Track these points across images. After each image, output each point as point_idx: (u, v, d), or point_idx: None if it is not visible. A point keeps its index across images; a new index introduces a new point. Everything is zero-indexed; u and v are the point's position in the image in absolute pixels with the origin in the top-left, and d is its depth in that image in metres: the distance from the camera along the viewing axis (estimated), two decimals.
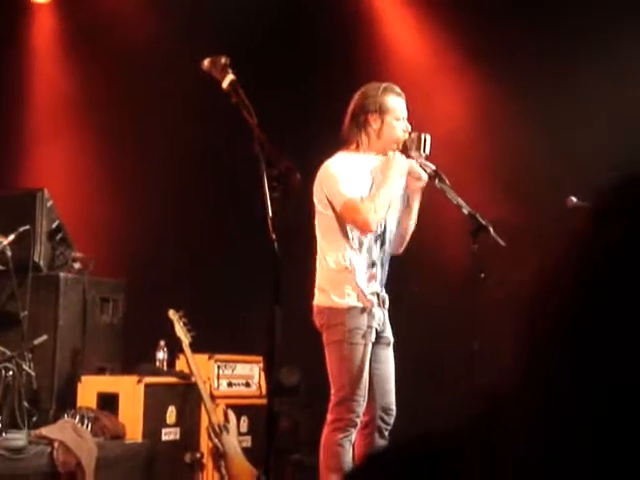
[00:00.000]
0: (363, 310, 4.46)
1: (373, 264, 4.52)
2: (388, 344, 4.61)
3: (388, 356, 4.61)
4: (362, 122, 4.60)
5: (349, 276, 4.48)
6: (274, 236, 3.48)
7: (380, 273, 4.56)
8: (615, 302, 0.71)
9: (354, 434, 4.45)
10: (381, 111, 4.58)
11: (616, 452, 0.69)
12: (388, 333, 4.61)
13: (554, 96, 6.74)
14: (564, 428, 0.71)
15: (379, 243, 4.57)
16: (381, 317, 4.54)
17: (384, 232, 4.62)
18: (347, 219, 4.42)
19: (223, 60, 3.75)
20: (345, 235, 4.52)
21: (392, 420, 4.58)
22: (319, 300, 4.54)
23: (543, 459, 0.72)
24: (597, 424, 0.69)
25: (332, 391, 4.48)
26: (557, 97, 6.75)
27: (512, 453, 0.74)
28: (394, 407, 4.59)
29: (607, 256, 0.73)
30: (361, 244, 4.52)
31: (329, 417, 4.48)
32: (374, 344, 4.52)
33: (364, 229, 4.41)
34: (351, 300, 4.47)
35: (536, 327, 0.76)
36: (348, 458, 4.40)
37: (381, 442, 4.54)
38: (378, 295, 4.53)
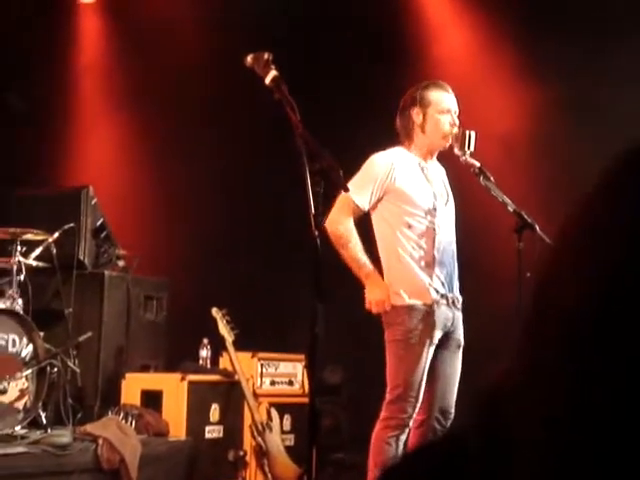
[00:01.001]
0: (425, 310, 4.37)
1: (436, 263, 4.44)
2: (458, 346, 4.52)
3: (454, 358, 4.52)
4: (407, 117, 4.57)
5: (409, 274, 4.41)
6: (316, 232, 3.46)
7: (446, 273, 4.48)
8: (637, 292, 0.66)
9: (405, 434, 4.40)
10: (422, 104, 4.53)
11: (625, 455, 0.66)
12: (459, 335, 4.52)
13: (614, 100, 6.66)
14: (575, 435, 0.67)
15: (442, 241, 4.50)
16: (449, 318, 4.46)
17: (450, 226, 4.56)
18: (334, 206, 4.36)
19: (266, 56, 3.74)
20: (402, 232, 4.45)
21: (449, 423, 4.52)
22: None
23: (549, 462, 0.69)
24: (614, 429, 0.66)
25: (387, 389, 4.44)
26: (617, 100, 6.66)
27: (517, 455, 0.71)
28: (452, 410, 4.52)
29: (626, 238, 0.68)
30: (422, 240, 4.44)
31: (382, 414, 4.43)
32: (441, 345, 4.45)
33: (328, 227, 4.30)
34: (412, 299, 4.38)
35: (545, 320, 0.72)
36: (396, 455, 4.35)
37: None
38: (446, 296, 4.45)
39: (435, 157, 4.64)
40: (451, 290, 4.48)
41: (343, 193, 4.28)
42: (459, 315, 4.53)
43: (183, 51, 7.96)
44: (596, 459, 0.66)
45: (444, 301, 4.42)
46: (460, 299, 4.56)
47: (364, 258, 4.39)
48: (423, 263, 4.42)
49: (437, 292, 4.41)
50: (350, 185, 4.29)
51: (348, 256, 4.38)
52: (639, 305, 0.66)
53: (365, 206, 4.45)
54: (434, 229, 4.45)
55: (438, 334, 4.40)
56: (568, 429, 0.67)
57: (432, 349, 4.38)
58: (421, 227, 4.44)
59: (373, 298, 4.38)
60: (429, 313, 4.38)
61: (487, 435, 0.75)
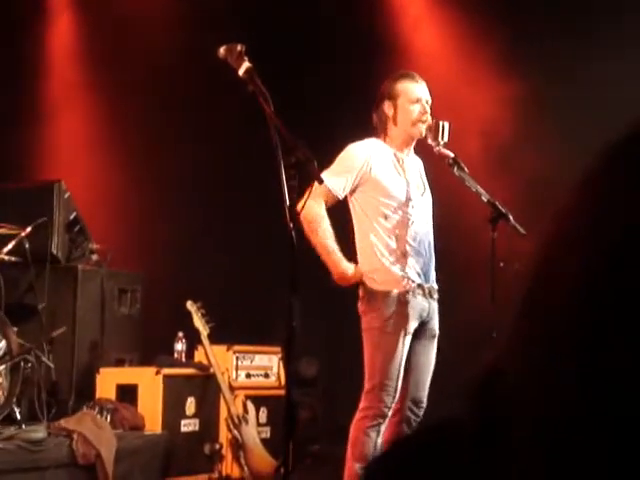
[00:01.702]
0: (401, 299, 4.38)
1: (411, 253, 4.45)
2: (433, 336, 4.53)
3: (429, 348, 4.53)
4: (379, 110, 4.57)
5: (384, 264, 4.41)
6: (292, 225, 3.46)
7: (422, 263, 4.48)
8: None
9: (383, 425, 4.39)
10: (392, 96, 4.54)
11: (627, 453, 0.65)
12: (433, 325, 4.53)
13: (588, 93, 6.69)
14: (569, 422, 0.67)
15: (419, 232, 4.51)
16: (425, 308, 4.47)
17: (426, 218, 4.56)
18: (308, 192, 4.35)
19: (239, 48, 3.72)
20: (378, 223, 4.46)
21: (422, 413, 4.52)
22: (362, 284, 4.47)
23: (546, 459, 0.68)
24: (612, 426, 0.66)
25: (365, 378, 4.44)
26: (590, 94, 6.69)
27: (513, 449, 0.71)
28: (425, 400, 4.53)
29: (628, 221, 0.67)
30: (399, 228, 4.44)
31: (360, 404, 4.44)
32: (416, 335, 4.45)
33: (301, 213, 4.29)
34: (388, 287, 4.39)
35: (540, 302, 0.72)
36: (373, 447, 4.36)
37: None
38: (422, 286, 4.45)
39: (412, 149, 4.64)
40: (427, 280, 4.49)
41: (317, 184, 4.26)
42: (435, 305, 4.54)
43: (156, 44, 7.92)
44: (594, 457, 0.65)
45: (420, 291, 4.43)
46: (436, 289, 4.57)
47: (333, 245, 4.38)
48: (399, 253, 4.42)
49: (412, 282, 4.41)
50: (325, 172, 4.31)
51: (317, 242, 4.38)
52: (636, 293, 0.65)
53: (339, 193, 4.44)
54: (409, 220, 4.46)
55: (414, 324, 4.41)
56: (564, 426, 0.67)
57: (408, 339, 4.39)
58: (396, 218, 4.44)
59: (340, 275, 4.38)
60: (404, 302, 4.38)
61: (483, 432, 0.74)
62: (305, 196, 4.26)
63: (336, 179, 4.41)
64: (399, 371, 4.35)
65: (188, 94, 7.87)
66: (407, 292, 4.39)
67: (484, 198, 4.55)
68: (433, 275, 4.55)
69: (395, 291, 4.38)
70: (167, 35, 7.92)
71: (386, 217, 4.43)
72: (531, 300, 0.73)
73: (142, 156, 8.09)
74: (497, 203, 4.54)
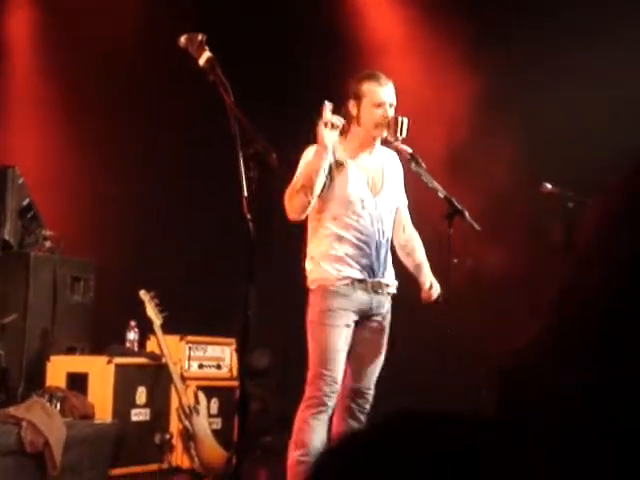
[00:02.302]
0: (339, 293, 4.46)
1: (356, 251, 4.50)
2: (380, 330, 4.61)
3: (374, 341, 4.60)
4: (345, 110, 4.61)
5: (327, 259, 4.49)
6: (249, 216, 3.45)
7: (367, 260, 4.54)
8: None
9: (325, 414, 4.46)
10: (356, 97, 4.59)
11: None
12: (381, 319, 4.60)
13: (526, 84, 6.75)
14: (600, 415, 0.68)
15: (371, 227, 4.55)
16: (366, 302, 4.53)
17: (378, 216, 4.59)
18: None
19: (200, 37, 3.71)
20: (325, 223, 4.52)
21: (367, 404, 4.59)
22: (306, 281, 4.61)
23: (583, 447, 0.69)
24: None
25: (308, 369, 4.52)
26: (529, 85, 6.75)
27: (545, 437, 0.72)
28: (369, 391, 4.59)
29: None
30: (346, 227, 4.50)
31: (304, 395, 4.51)
32: (359, 328, 4.54)
33: (288, 217, 4.46)
34: (325, 283, 4.48)
35: (562, 313, 0.73)
36: (313, 436, 4.42)
37: (353, 423, 4.55)
38: (365, 281, 4.52)
39: (375, 147, 4.66)
40: (373, 276, 4.54)
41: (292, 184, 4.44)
42: (383, 300, 4.60)
43: (113, 32, 7.85)
44: (606, 463, 0.66)
45: (361, 285, 4.50)
46: (387, 284, 4.61)
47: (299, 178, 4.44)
48: (341, 253, 4.49)
49: (353, 278, 4.49)
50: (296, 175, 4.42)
51: (303, 179, 4.42)
52: None
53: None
54: (357, 220, 4.52)
55: (352, 317, 4.52)
56: (578, 434, 0.68)
57: (347, 331, 4.47)
58: (344, 219, 4.52)
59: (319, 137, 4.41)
60: (342, 297, 4.47)
61: (512, 417, 0.75)
62: (287, 197, 4.35)
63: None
64: (337, 362, 4.43)
65: (147, 80, 7.81)
66: (347, 287, 4.46)
67: (441, 194, 4.58)
68: (383, 271, 4.60)
69: (331, 287, 4.46)
70: (124, 20, 7.85)
71: (334, 218, 4.51)
72: (555, 310, 0.75)
73: (98, 142, 8.02)
74: (453, 199, 4.57)
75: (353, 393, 4.56)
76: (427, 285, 4.62)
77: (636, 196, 0.71)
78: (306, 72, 7.42)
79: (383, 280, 4.59)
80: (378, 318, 4.60)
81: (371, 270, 4.54)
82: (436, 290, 4.63)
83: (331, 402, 4.47)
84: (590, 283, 0.70)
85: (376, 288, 4.57)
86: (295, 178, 4.47)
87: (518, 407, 0.76)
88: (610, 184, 0.76)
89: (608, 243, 0.71)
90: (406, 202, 4.81)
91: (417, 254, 4.74)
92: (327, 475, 0.89)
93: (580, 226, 0.76)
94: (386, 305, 4.62)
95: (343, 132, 4.62)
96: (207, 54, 3.67)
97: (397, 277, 4.73)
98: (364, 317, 4.55)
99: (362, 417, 4.58)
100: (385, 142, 4.65)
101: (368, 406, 4.59)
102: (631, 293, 0.68)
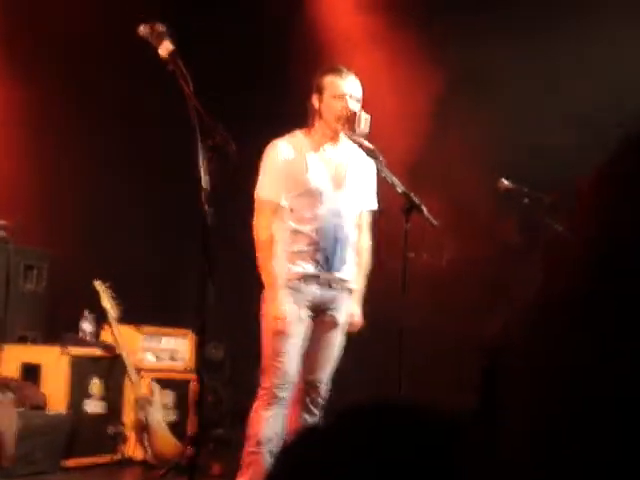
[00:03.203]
0: (290, 287, 4.49)
1: (311, 246, 4.52)
2: (334, 324, 4.63)
3: (329, 336, 4.63)
4: (309, 103, 4.62)
5: (280, 254, 4.51)
6: (207, 207, 3.44)
7: (323, 255, 4.55)
8: None
9: (277, 405, 4.48)
10: (318, 90, 4.60)
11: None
12: (336, 314, 4.63)
13: (483, 81, 6.78)
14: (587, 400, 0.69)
15: (329, 221, 4.56)
16: (318, 296, 4.55)
17: (337, 211, 4.60)
18: (254, 210, 4.53)
19: (160, 27, 3.68)
20: (283, 217, 4.54)
21: (319, 398, 4.60)
22: None
23: (554, 427, 0.70)
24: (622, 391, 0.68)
25: None
26: (486, 82, 6.78)
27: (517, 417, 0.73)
28: (323, 384, 4.61)
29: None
30: (302, 220, 4.51)
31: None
32: (314, 322, 4.56)
33: (253, 231, 4.51)
34: (278, 277, 4.50)
35: (557, 279, 0.74)
36: (263, 427, 4.45)
37: (306, 416, 4.57)
38: (318, 275, 4.54)
39: (340, 140, 4.67)
40: (328, 270, 4.56)
41: (256, 197, 4.51)
42: (338, 295, 4.62)
43: (73, 16, 7.75)
44: (606, 425, 0.67)
45: (314, 280, 4.52)
46: (342, 279, 4.62)
47: (275, 269, 4.50)
48: (295, 249, 4.51)
49: (305, 273, 4.51)
50: (257, 187, 4.52)
51: (261, 264, 4.51)
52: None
53: (279, 200, 4.53)
54: (316, 215, 4.53)
55: (303, 311, 4.52)
56: (577, 388, 0.69)
57: (299, 325, 4.48)
58: (303, 213, 4.53)
59: (276, 314, 4.48)
60: (293, 291, 4.49)
61: (486, 398, 0.76)
62: (255, 216, 4.38)
63: (272, 189, 4.53)
64: (287, 354, 4.45)
65: (106, 66, 7.73)
66: (296, 281, 4.49)
67: (399, 189, 4.59)
68: (340, 266, 4.61)
69: (285, 281, 4.49)
70: (85, 6, 7.77)
71: (292, 211, 4.53)
72: (542, 291, 0.76)
73: (52, 131, 7.93)
74: (411, 195, 4.58)
75: (307, 386, 4.59)
76: (349, 318, 4.69)
77: (626, 177, 0.73)
78: (271, 64, 7.40)
79: (339, 275, 4.60)
80: (332, 312, 4.62)
81: (326, 265, 4.56)
82: (357, 324, 4.69)
83: (282, 394, 4.48)
84: (579, 262, 0.71)
85: (331, 283, 4.58)
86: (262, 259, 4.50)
87: (501, 392, 0.76)
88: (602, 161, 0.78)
89: (598, 219, 0.72)
90: (374, 207, 4.81)
91: (358, 274, 4.77)
92: (284, 473, 0.89)
93: (568, 206, 0.78)
94: (342, 300, 4.63)
95: (307, 125, 4.63)
96: (167, 44, 3.65)
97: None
98: (318, 311, 4.57)
99: (315, 410, 4.60)
100: (345, 135, 4.66)
101: (321, 400, 4.61)
102: (624, 270, 0.69)
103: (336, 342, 4.65)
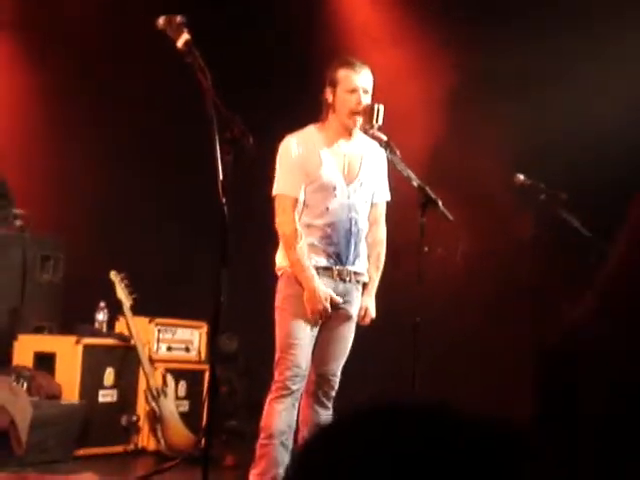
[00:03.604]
0: (296, 278, 4.51)
1: (323, 239, 4.53)
2: (347, 317, 4.64)
3: (340, 328, 4.63)
4: (323, 97, 4.62)
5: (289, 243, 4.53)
6: (224, 200, 3.45)
7: (335, 249, 4.56)
8: None
9: (290, 397, 4.49)
10: (332, 84, 4.59)
11: None
12: (348, 307, 4.63)
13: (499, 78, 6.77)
14: None
15: (342, 215, 4.57)
16: (332, 289, 4.56)
17: (350, 205, 4.61)
18: (275, 211, 4.52)
19: (178, 19, 3.69)
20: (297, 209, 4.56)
21: (332, 390, 4.61)
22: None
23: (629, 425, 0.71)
24: None
25: None
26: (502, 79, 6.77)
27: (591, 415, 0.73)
28: (335, 377, 4.61)
29: None
30: (316, 215, 4.52)
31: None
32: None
33: (278, 230, 4.51)
34: (287, 267, 4.52)
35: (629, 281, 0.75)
36: (276, 419, 4.46)
37: (319, 409, 4.57)
38: (331, 268, 4.55)
39: (355, 134, 4.66)
40: (341, 264, 4.56)
41: (275, 194, 4.48)
42: (350, 288, 4.62)
43: (91, 4, 7.75)
44: None
45: (327, 273, 4.53)
46: (356, 272, 4.63)
47: (307, 263, 4.47)
48: (309, 240, 4.52)
49: (318, 266, 4.52)
50: (275, 184, 4.49)
51: (291, 259, 4.48)
52: None
53: (299, 194, 4.55)
54: (328, 209, 4.54)
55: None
56: None
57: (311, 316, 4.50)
58: (315, 206, 4.54)
59: (314, 308, 4.48)
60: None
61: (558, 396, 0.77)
62: (277, 213, 4.38)
63: (288, 184, 4.53)
64: (300, 347, 4.46)
65: (122, 61, 7.74)
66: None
67: (414, 183, 4.58)
68: (354, 260, 4.62)
69: (289, 270, 4.51)
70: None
71: (306, 206, 4.53)
72: (606, 292, 0.77)
73: (69, 122, 7.94)
74: (427, 188, 4.57)
75: (319, 379, 4.59)
76: (362, 311, 4.68)
77: None
78: (285, 58, 7.40)
79: (352, 268, 4.60)
80: (345, 305, 4.62)
81: (338, 258, 4.57)
82: (369, 317, 4.70)
83: (295, 386, 4.49)
84: None
85: (343, 276, 4.59)
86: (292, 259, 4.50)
87: (567, 383, 0.77)
88: None
89: None
90: (387, 198, 4.81)
91: (375, 264, 4.77)
92: (302, 473, 0.90)
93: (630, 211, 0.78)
94: (355, 293, 4.64)
95: (321, 119, 4.63)
96: (185, 36, 3.65)
97: None
98: (331, 304, 4.57)
99: (328, 403, 4.60)
100: (361, 129, 4.65)
101: (333, 392, 4.61)
102: None
103: (349, 335, 4.66)
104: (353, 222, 4.60)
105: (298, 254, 4.49)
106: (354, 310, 4.64)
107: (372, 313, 4.71)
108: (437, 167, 6.39)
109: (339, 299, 4.54)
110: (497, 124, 6.69)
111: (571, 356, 0.77)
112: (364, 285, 4.71)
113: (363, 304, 4.68)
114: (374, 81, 4.62)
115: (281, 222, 4.51)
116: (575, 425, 0.75)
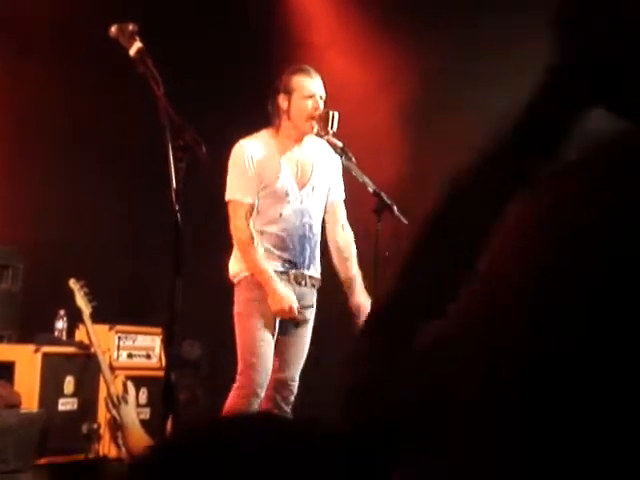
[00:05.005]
0: (255, 282, 4.51)
1: (278, 244, 4.54)
2: (304, 321, 4.65)
3: (298, 332, 4.65)
4: (274, 103, 4.63)
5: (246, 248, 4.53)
6: (177, 207, 3.46)
7: (291, 254, 4.57)
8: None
9: (256, 403, 4.50)
10: (287, 91, 4.62)
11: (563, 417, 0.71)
12: (306, 311, 4.65)
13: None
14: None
15: (295, 221, 4.58)
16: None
17: (304, 210, 4.62)
18: (229, 216, 4.52)
19: (131, 27, 3.70)
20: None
21: (291, 395, 4.63)
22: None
23: (488, 422, 0.74)
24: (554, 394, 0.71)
25: (238, 359, 4.55)
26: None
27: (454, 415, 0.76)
28: (293, 382, 4.63)
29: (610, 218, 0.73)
30: (269, 221, 4.54)
31: (234, 385, 4.53)
32: (282, 319, 4.57)
33: (233, 236, 4.52)
34: (244, 273, 4.53)
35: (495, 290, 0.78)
36: None
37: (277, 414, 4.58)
38: (287, 272, 4.56)
39: (306, 139, 4.69)
40: (296, 268, 4.58)
41: (228, 200, 4.51)
42: (306, 292, 4.64)
43: (45, 17, 7.71)
44: (538, 420, 0.71)
45: (283, 277, 4.55)
46: (311, 276, 4.65)
47: (265, 265, 4.45)
48: (263, 246, 4.53)
49: (275, 270, 4.53)
50: (228, 189, 4.45)
51: (248, 263, 4.49)
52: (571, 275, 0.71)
53: (253, 200, 4.54)
54: (281, 215, 4.55)
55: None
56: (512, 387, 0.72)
57: (272, 321, 4.50)
58: (269, 212, 4.56)
59: (279, 308, 4.48)
60: (259, 286, 4.53)
61: (422, 397, 0.79)
62: (231, 219, 4.40)
63: (242, 189, 4.53)
64: (266, 351, 4.47)
65: (75, 70, 7.70)
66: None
67: (370, 188, 4.63)
68: (309, 264, 4.64)
69: (253, 278, 4.50)
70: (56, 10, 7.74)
71: (258, 212, 4.54)
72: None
73: (22, 131, 7.89)
74: (382, 194, 4.62)
75: (277, 384, 4.60)
76: (355, 310, 4.69)
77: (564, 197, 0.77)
78: (242, 64, 7.41)
79: (307, 272, 4.63)
80: (302, 310, 4.64)
81: (293, 263, 4.58)
82: (363, 314, 4.70)
83: (262, 392, 4.50)
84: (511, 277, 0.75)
85: (299, 280, 4.61)
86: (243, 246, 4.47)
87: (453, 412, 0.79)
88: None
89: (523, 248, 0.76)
90: (343, 197, 4.84)
91: (352, 264, 4.78)
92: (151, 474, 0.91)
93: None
94: (309, 297, 4.66)
95: (273, 126, 4.65)
96: (137, 45, 3.66)
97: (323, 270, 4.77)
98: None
99: (286, 408, 4.62)
100: (316, 135, 4.69)
101: (292, 397, 4.63)
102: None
103: (306, 339, 4.68)
104: (307, 227, 4.62)
105: (256, 257, 4.50)
106: (309, 314, 4.67)
107: (367, 309, 4.68)
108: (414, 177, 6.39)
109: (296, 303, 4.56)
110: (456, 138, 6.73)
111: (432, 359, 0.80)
112: (351, 283, 4.72)
113: (355, 303, 4.67)
114: (328, 88, 4.66)
115: (236, 228, 4.52)
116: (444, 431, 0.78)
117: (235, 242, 4.55)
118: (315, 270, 4.68)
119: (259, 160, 4.53)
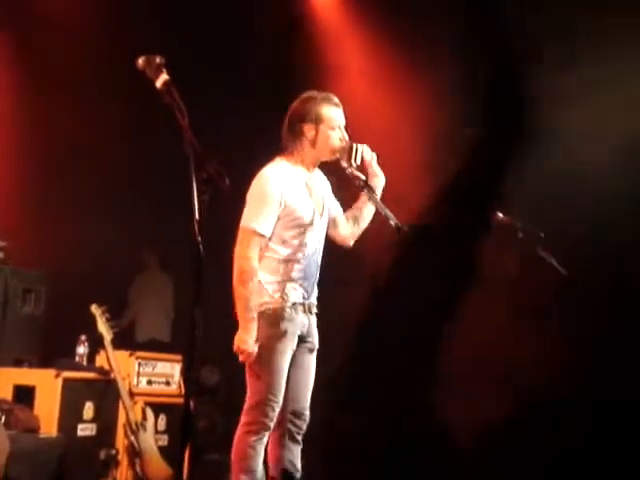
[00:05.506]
0: (281, 317, 4.44)
1: (299, 276, 4.51)
2: (311, 350, 4.61)
3: (309, 362, 4.61)
4: (297, 131, 4.58)
5: (267, 286, 4.46)
6: (199, 239, 3.48)
7: (308, 284, 4.54)
8: None
9: (266, 437, 4.46)
10: (315, 121, 4.57)
11: None
12: (313, 339, 4.61)
13: None
14: None
15: (313, 249, 4.56)
16: (305, 323, 4.54)
17: (319, 238, 4.61)
18: (237, 241, 4.44)
19: (158, 60, 3.72)
20: (272, 247, 4.49)
21: (304, 425, 4.59)
22: None
23: None
24: None
25: (248, 395, 4.48)
26: None
27: None
28: (307, 412, 4.59)
29: None
30: (294, 250, 4.50)
31: (243, 419, 4.47)
32: (297, 348, 4.52)
33: (236, 262, 4.42)
34: (267, 307, 4.44)
35: None
36: (259, 460, 4.42)
37: (292, 445, 4.53)
38: (303, 303, 4.52)
39: (315, 169, 4.70)
40: (308, 297, 4.55)
41: (242, 227, 4.40)
42: (313, 320, 4.61)
43: (74, 45, 7.79)
44: None
45: (301, 308, 4.50)
46: (315, 304, 4.64)
47: (253, 303, 4.41)
48: (285, 277, 4.47)
49: (297, 301, 4.48)
50: (246, 215, 4.41)
51: (240, 294, 4.41)
52: None
53: (267, 233, 4.45)
54: (305, 243, 4.51)
55: (295, 340, 4.48)
56: None
57: (290, 354, 4.46)
58: (294, 242, 4.50)
59: (242, 346, 4.41)
60: (289, 320, 4.45)
61: None
62: (238, 244, 4.33)
63: (260, 219, 4.41)
64: (282, 386, 4.42)
65: (105, 99, 7.78)
66: (290, 310, 4.45)
67: (392, 222, 4.61)
68: (315, 292, 4.63)
69: (279, 312, 4.43)
70: (85, 38, 7.82)
71: (284, 242, 4.47)
72: None
73: (50, 156, 7.96)
74: (405, 228, 4.60)
75: (291, 416, 4.54)
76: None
77: None
78: (263, 93, 7.46)
79: (314, 301, 4.61)
80: (310, 338, 4.61)
81: (307, 292, 4.55)
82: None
83: (273, 425, 4.47)
84: None
85: (310, 309, 4.57)
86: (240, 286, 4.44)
87: None
88: None
89: None
90: (341, 210, 4.82)
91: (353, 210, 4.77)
92: None
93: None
94: (314, 325, 4.63)
95: (286, 154, 4.61)
96: (164, 77, 3.68)
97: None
98: (303, 338, 4.56)
99: (300, 438, 4.58)
100: (340, 167, 4.67)
101: (305, 427, 4.58)
102: None
103: (313, 367, 4.64)
104: (319, 254, 4.61)
105: (249, 294, 4.40)
106: (316, 341, 4.63)
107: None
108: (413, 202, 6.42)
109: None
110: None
111: None
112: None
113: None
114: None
115: (243, 256, 4.37)
116: None
117: (235, 270, 4.40)
118: (315, 297, 4.66)
119: (285, 190, 4.47)
